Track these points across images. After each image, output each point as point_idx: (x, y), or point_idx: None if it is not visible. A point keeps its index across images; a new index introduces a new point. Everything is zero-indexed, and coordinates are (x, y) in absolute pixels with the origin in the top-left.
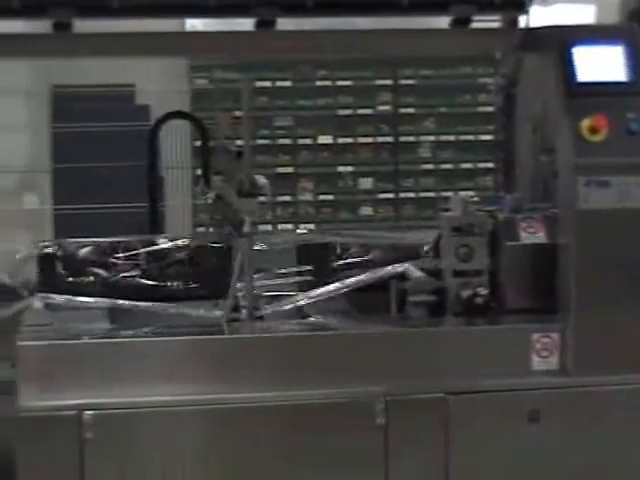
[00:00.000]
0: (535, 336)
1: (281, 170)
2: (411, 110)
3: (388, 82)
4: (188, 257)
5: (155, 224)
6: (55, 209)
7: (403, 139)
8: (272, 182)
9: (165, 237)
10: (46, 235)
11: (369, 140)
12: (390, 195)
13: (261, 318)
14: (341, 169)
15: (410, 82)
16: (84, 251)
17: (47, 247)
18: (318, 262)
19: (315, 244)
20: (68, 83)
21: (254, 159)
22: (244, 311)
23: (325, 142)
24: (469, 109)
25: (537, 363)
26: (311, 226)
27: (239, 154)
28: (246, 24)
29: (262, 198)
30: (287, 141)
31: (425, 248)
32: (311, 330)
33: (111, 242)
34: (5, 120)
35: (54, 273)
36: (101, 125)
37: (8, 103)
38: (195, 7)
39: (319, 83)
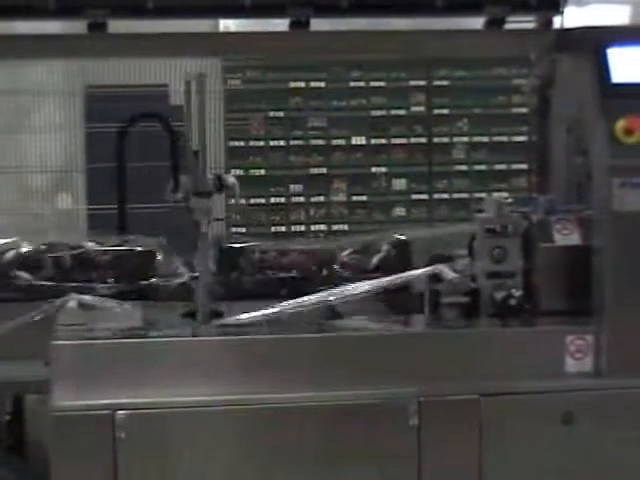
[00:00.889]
0: (569, 338)
1: (314, 171)
2: (445, 111)
3: (422, 83)
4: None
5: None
6: (88, 209)
7: (437, 140)
8: (305, 183)
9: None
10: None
11: (403, 141)
12: (424, 196)
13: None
14: (374, 170)
15: (444, 83)
16: (9, 254)
17: None
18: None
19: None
20: (102, 83)
21: (214, 159)
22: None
23: (359, 143)
24: (503, 110)
25: (571, 365)
26: (345, 227)
27: (196, 153)
28: (280, 25)
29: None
30: (320, 142)
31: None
32: (344, 331)
33: (39, 246)
34: (40, 121)
35: None
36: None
37: (43, 104)
38: (229, 8)
39: (353, 84)
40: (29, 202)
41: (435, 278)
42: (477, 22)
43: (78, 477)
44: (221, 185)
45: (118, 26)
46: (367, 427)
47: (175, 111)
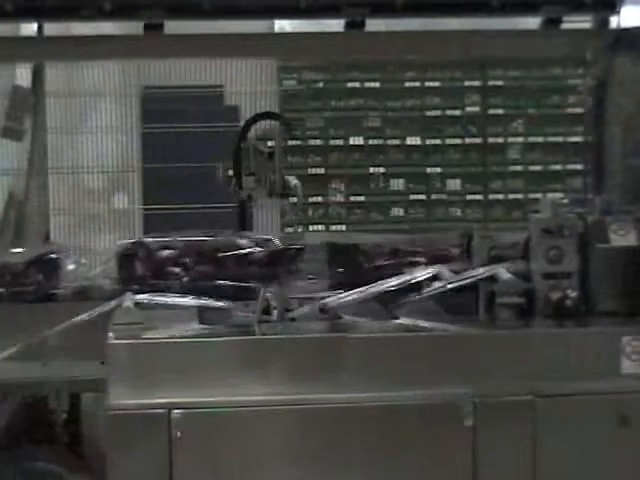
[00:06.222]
0: (625, 339)
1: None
2: (500, 111)
3: (476, 83)
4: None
5: (243, 224)
6: (144, 209)
7: (492, 140)
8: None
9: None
10: (135, 235)
11: (457, 141)
12: (479, 197)
13: (292, 320)
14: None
15: (499, 83)
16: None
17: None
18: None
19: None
20: (158, 84)
21: (285, 160)
22: (274, 313)
23: (413, 143)
24: (558, 110)
25: (627, 366)
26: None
27: (270, 155)
28: (335, 25)
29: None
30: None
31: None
32: (400, 331)
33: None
34: (97, 121)
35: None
36: (190, 126)
37: (100, 105)
38: (285, 8)
39: (407, 84)
40: (85, 202)
41: (491, 279)
42: (533, 22)
43: (134, 476)
44: (284, 187)
45: (174, 27)
46: (422, 428)
47: (229, 111)
